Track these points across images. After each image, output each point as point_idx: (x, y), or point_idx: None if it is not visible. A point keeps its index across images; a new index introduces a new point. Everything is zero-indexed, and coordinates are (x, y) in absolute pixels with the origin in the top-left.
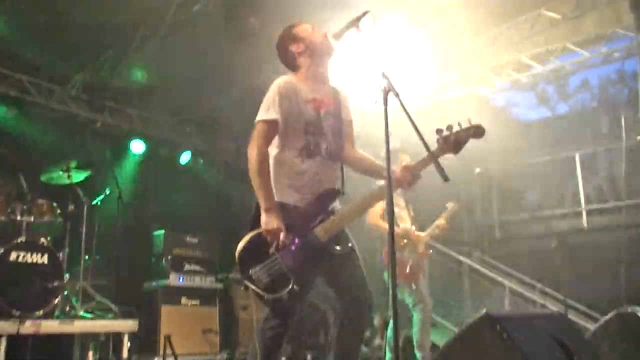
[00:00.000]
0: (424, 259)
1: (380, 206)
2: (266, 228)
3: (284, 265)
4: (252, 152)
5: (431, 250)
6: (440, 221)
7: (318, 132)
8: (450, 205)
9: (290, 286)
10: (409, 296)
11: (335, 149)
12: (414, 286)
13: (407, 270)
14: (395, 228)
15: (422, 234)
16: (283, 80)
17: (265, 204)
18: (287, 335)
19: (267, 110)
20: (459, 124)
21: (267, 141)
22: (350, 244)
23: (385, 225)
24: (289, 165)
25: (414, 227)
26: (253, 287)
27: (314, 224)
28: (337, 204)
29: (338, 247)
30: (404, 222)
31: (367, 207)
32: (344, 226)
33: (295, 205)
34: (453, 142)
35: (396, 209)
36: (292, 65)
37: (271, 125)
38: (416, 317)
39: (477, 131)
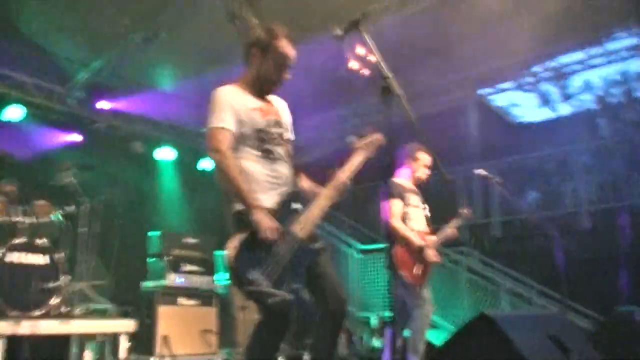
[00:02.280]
0: (432, 264)
1: (399, 208)
2: (264, 225)
3: (279, 266)
4: (218, 156)
5: (441, 257)
6: (452, 229)
7: (269, 138)
8: (463, 212)
9: (290, 286)
10: (409, 297)
11: (287, 156)
12: (417, 289)
13: (415, 271)
14: (412, 231)
15: (434, 238)
16: (226, 88)
17: (250, 202)
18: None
19: (217, 118)
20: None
21: (228, 143)
22: (322, 241)
23: (405, 228)
24: (251, 171)
25: (427, 229)
26: (259, 289)
27: (288, 223)
28: (299, 205)
29: (316, 244)
30: (418, 223)
31: (331, 202)
32: (316, 222)
33: (269, 208)
34: (375, 145)
35: (410, 209)
36: (245, 56)
37: (225, 131)
38: (413, 321)
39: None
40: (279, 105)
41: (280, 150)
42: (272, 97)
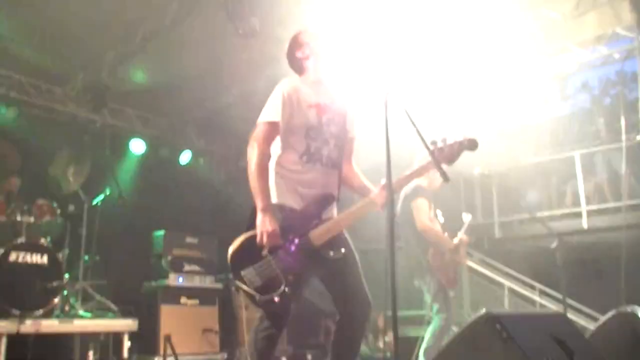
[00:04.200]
0: (459, 268)
1: (427, 207)
2: (261, 229)
3: (276, 267)
4: (252, 153)
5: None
6: (463, 236)
7: (319, 137)
8: (464, 218)
9: (281, 288)
10: (437, 301)
11: (335, 157)
12: (451, 293)
13: (451, 276)
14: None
15: (455, 241)
16: (287, 82)
17: (261, 204)
18: (283, 336)
19: (269, 112)
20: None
21: (267, 142)
22: (344, 249)
23: (435, 229)
24: (289, 168)
25: (446, 234)
26: (245, 288)
27: (309, 228)
28: (331, 209)
29: (331, 253)
30: (437, 225)
31: (361, 215)
32: (338, 232)
33: (292, 208)
34: (447, 153)
35: (432, 213)
36: (299, 70)
37: (272, 127)
38: (436, 324)
39: (470, 144)
40: (345, 103)
41: (326, 151)
42: (339, 95)
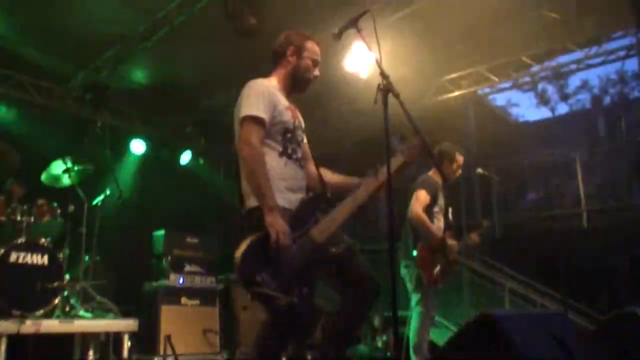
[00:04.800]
0: (451, 268)
1: (425, 199)
2: (276, 228)
3: (290, 269)
4: (246, 150)
5: (460, 262)
6: (474, 237)
7: (294, 139)
8: (485, 223)
9: (299, 289)
10: (417, 292)
11: (301, 160)
12: (431, 291)
13: (435, 273)
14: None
15: (454, 242)
16: (263, 82)
17: (268, 203)
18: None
19: (253, 107)
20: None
21: (260, 139)
22: (344, 244)
23: (427, 219)
24: (272, 166)
25: (447, 232)
26: (267, 291)
27: (308, 226)
28: (323, 207)
29: (333, 249)
30: (440, 222)
31: (357, 207)
32: (336, 226)
33: (286, 208)
34: (408, 154)
35: (436, 208)
36: (276, 57)
37: (259, 122)
38: (415, 320)
39: (426, 146)
40: (298, 114)
41: (300, 154)
42: (295, 104)
